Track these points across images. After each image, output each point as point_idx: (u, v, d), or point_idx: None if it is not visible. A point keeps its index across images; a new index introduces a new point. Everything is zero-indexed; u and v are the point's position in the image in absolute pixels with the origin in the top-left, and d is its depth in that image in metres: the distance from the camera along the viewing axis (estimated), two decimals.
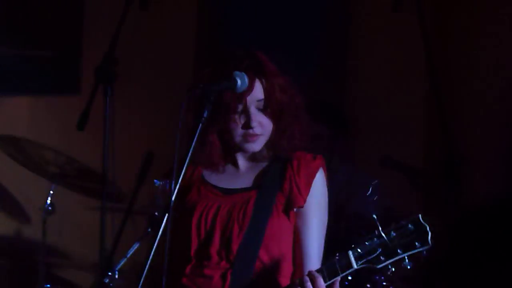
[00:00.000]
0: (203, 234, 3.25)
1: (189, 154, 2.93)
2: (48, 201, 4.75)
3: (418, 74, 5.88)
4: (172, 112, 3.04)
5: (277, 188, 3.28)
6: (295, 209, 3.26)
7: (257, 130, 3.23)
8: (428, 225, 2.87)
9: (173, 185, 2.86)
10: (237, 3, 6.33)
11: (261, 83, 3.27)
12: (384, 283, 4.81)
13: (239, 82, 3.06)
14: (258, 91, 3.25)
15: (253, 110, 3.25)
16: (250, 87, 3.23)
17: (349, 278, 4.65)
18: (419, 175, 5.73)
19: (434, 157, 6.05)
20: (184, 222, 3.17)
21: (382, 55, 6.26)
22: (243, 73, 3.09)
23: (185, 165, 2.89)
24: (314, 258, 3.25)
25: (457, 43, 6.55)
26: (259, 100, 3.26)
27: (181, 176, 2.93)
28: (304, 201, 3.25)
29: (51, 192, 4.76)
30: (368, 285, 4.85)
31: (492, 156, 6.17)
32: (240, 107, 3.20)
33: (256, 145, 3.26)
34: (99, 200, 4.77)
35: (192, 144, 2.96)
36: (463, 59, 6.45)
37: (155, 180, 3.48)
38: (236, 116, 3.20)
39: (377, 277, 4.87)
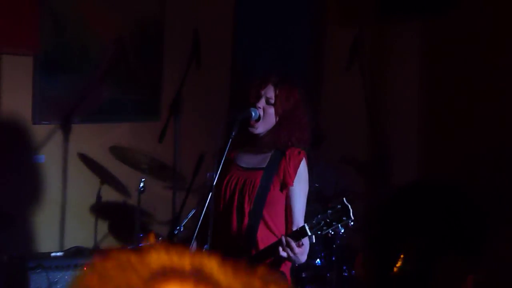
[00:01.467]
0: (228, 194, 4.11)
1: (224, 155, 3.90)
2: (141, 185, 5.24)
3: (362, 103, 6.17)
4: (215, 130, 4.16)
5: (274, 172, 4.09)
6: (287, 187, 4.09)
7: (259, 122, 4.05)
8: (350, 205, 3.71)
9: (215, 175, 3.90)
10: (257, 58, 6.72)
11: (274, 88, 4.08)
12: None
13: (253, 114, 3.95)
14: (270, 92, 4.08)
15: (261, 102, 4.07)
16: (262, 87, 4.10)
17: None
18: (363, 166, 6.37)
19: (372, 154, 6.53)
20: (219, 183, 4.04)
21: (343, 89, 6.73)
22: (255, 108, 3.99)
23: (222, 161, 3.90)
24: (299, 217, 4.08)
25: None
26: (269, 98, 4.06)
27: (219, 170, 3.91)
28: (292, 182, 4.04)
29: (143, 179, 5.26)
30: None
31: (408, 152, 6.82)
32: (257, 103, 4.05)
33: (256, 130, 4.09)
34: (171, 183, 5.67)
35: (226, 149, 3.91)
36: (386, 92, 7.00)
37: (207, 173, 4.25)
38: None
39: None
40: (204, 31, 5.65)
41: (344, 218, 3.67)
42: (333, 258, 5.31)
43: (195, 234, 3.88)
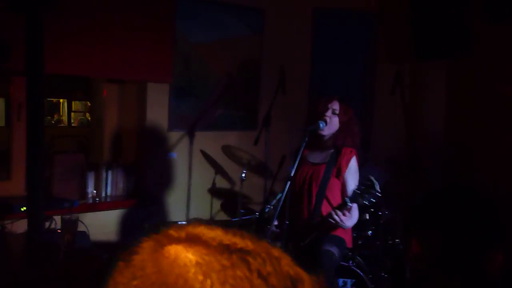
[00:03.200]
0: (301, 181, 4.37)
1: (299, 155, 4.14)
2: (243, 175, 5.33)
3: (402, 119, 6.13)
4: (293, 136, 4.67)
5: (333, 165, 4.34)
6: (341, 176, 4.34)
7: (326, 124, 4.29)
8: (376, 181, 3.84)
9: (292, 169, 4.10)
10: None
11: (339, 104, 4.35)
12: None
13: (320, 126, 4.28)
14: (336, 106, 4.35)
15: (329, 112, 4.31)
16: (332, 102, 4.35)
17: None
18: (401, 165, 6.05)
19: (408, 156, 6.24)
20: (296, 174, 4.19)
21: (388, 109, 6.58)
22: (323, 121, 4.27)
23: (298, 159, 4.13)
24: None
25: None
26: (334, 109, 4.32)
27: (295, 164, 4.11)
28: (345, 172, 4.31)
29: (244, 171, 5.35)
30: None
31: (435, 156, 6.53)
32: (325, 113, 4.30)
33: (323, 132, 4.32)
34: (263, 174, 5.68)
35: (300, 150, 4.15)
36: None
37: (287, 167, 4.32)
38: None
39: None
40: (289, 68, 5.75)
41: (372, 190, 3.85)
42: (381, 229, 5.26)
43: (277, 212, 4.09)
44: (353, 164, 4.35)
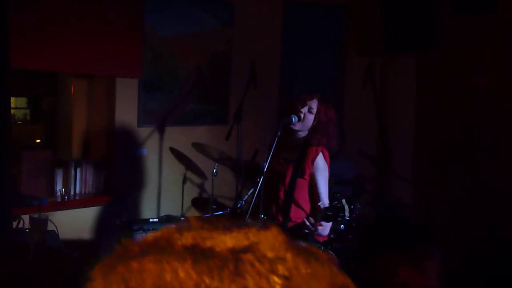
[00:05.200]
0: (271, 180, 4.25)
1: (272, 149, 4.02)
2: (215, 170, 5.28)
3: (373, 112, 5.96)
4: (266, 132, 4.31)
5: (299, 164, 4.25)
6: (307, 175, 4.22)
7: (301, 116, 4.21)
8: (347, 205, 3.58)
9: (265, 163, 4.01)
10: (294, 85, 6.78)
11: (319, 104, 4.24)
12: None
13: (293, 119, 4.18)
14: (314, 104, 4.24)
15: (305, 109, 4.22)
16: (311, 100, 4.25)
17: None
18: (373, 158, 6.02)
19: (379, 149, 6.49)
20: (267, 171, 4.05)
21: (359, 101, 6.69)
22: (295, 115, 4.18)
23: (271, 153, 4.02)
24: (322, 195, 4.18)
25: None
26: (311, 107, 4.22)
27: (268, 159, 3.99)
28: (309, 171, 4.20)
29: (215, 166, 5.30)
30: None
31: (406, 148, 6.61)
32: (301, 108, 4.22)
33: (295, 127, 4.23)
34: (235, 169, 5.81)
35: (273, 145, 4.03)
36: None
37: (260, 162, 4.26)
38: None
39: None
40: (259, 61, 5.74)
41: (341, 214, 3.64)
42: (353, 225, 5.27)
43: (251, 207, 4.00)
44: (320, 162, 4.27)
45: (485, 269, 5.52)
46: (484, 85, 5.92)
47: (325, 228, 4.05)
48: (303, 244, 0.83)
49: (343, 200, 3.64)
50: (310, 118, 4.27)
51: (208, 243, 0.80)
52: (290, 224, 4.14)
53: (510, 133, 5.85)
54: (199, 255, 0.78)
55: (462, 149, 6.19)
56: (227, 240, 0.81)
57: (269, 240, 0.82)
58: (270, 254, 0.79)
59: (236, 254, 0.78)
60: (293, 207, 4.26)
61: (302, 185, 4.28)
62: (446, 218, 5.75)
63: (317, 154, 4.23)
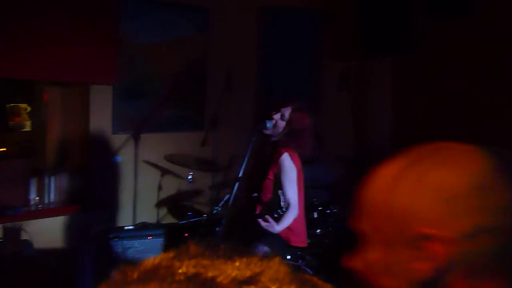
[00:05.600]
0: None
1: (247, 155, 4.08)
2: (190, 177, 5.39)
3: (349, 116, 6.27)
4: (242, 138, 4.59)
5: (270, 166, 4.38)
6: (270, 175, 4.36)
7: (276, 126, 4.32)
8: (281, 196, 3.91)
9: (241, 170, 4.07)
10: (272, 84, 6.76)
11: (293, 112, 4.34)
12: None
13: (268, 125, 4.30)
14: (287, 112, 4.34)
15: (277, 115, 4.33)
16: (285, 108, 4.33)
17: None
18: (350, 162, 6.26)
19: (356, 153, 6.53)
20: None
21: (336, 105, 6.73)
22: (269, 121, 4.30)
23: (246, 159, 4.08)
24: (287, 194, 4.18)
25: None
26: (284, 115, 4.33)
27: (244, 164, 4.04)
28: (274, 173, 4.33)
29: (191, 173, 5.41)
30: None
31: (383, 152, 7.22)
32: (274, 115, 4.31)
33: (266, 131, 4.35)
34: (211, 175, 5.87)
35: (247, 151, 4.10)
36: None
37: (237, 167, 4.18)
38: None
39: None
40: (235, 66, 5.87)
41: (277, 206, 3.91)
42: (330, 229, 5.35)
43: (226, 213, 4.08)
44: (284, 163, 4.32)
45: None
46: (460, 88, 5.97)
47: (280, 224, 4.11)
48: (306, 276, 0.82)
49: (279, 192, 3.92)
50: (282, 124, 4.38)
51: (210, 273, 0.78)
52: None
53: (487, 135, 5.78)
54: (201, 285, 0.76)
55: None
56: (229, 270, 0.78)
57: (272, 271, 0.80)
58: (273, 286, 0.77)
59: (239, 285, 0.76)
60: (258, 206, 4.37)
61: (267, 186, 4.38)
62: None
63: (281, 155, 4.30)
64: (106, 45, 5.42)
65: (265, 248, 4.17)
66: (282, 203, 3.87)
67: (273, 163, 4.35)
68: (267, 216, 4.02)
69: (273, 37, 6.83)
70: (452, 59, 6.12)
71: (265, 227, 4.05)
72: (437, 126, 6.28)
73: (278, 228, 4.14)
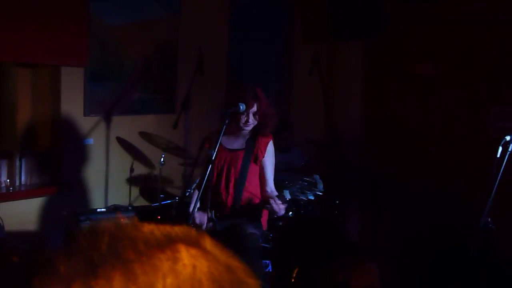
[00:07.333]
0: (219, 168, 4.38)
1: (220, 138, 4.05)
2: (161, 160, 5.33)
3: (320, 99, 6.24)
4: (213, 119, 4.56)
5: (252, 151, 4.40)
6: (259, 160, 4.39)
7: (250, 122, 4.31)
8: (322, 181, 3.89)
9: (213, 152, 4.04)
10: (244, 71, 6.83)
11: (256, 104, 4.30)
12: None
13: (241, 108, 4.21)
14: (254, 108, 4.30)
15: (250, 115, 4.30)
16: (251, 106, 4.27)
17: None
18: (321, 145, 6.27)
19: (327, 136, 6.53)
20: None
21: (307, 89, 6.75)
22: (243, 103, 4.21)
23: (219, 142, 4.05)
24: (269, 180, 4.40)
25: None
26: (254, 112, 4.30)
27: (217, 147, 4.03)
28: (263, 157, 4.39)
29: (163, 155, 5.33)
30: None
31: (353, 135, 6.65)
32: (245, 114, 4.25)
33: (248, 129, 4.38)
34: (183, 158, 5.85)
35: (220, 134, 4.05)
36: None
37: (209, 151, 4.13)
38: (243, 117, 4.27)
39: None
40: (206, 49, 5.87)
41: (313, 188, 3.89)
42: (301, 212, 5.39)
43: (199, 196, 4.07)
44: (270, 148, 4.43)
45: (431, 252, 5.63)
46: (429, 72, 6.05)
47: (284, 207, 4.17)
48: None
49: (316, 176, 3.89)
50: (255, 120, 4.37)
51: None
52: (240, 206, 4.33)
53: (455, 118, 5.98)
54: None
55: (408, 135, 6.30)
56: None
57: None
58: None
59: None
60: (244, 192, 4.36)
61: (253, 171, 4.41)
62: (393, 203, 5.89)
63: (269, 140, 4.42)
64: (76, 27, 5.38)
65: (255, 231, 4.27)
66: (320, 186, 3.92)
67: (260, 148, 4.41)
68: (277, 199, 4.06)
69: (244, 19, 6.82)
70: (422, 44, 6.20)
71: (278, 211, 4.10)
72: (406, 109, 6.36)
73: (283, 211, 4.23)
